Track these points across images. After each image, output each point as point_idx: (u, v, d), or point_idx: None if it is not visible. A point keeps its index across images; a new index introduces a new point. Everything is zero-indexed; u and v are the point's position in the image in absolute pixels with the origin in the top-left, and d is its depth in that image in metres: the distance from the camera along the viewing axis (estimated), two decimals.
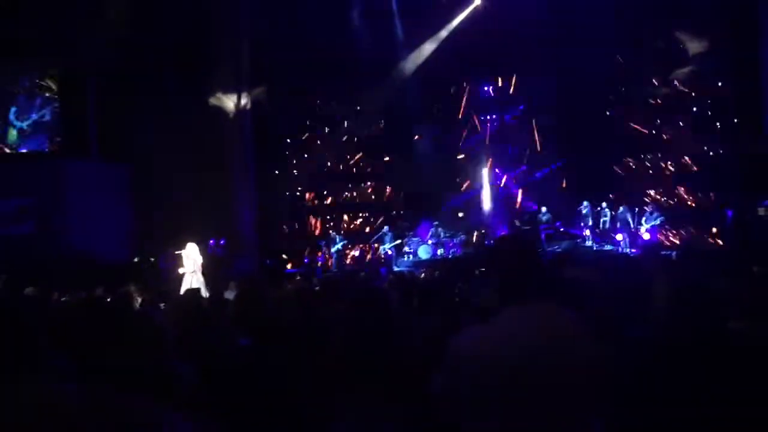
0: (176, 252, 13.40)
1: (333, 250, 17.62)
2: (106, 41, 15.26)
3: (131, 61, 15.59)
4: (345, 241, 17.99)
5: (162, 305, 5.26)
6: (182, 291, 10.43)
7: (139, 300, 5.84)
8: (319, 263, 17.64)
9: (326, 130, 19.91)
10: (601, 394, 2.10)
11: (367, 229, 19.70)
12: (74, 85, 16.90)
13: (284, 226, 18.85)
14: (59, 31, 14.97)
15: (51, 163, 16.51)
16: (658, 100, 17.61)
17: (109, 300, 5.17)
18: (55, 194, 15.96)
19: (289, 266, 17.44)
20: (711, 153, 16.62)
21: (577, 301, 2.77)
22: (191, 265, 12.85)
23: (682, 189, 17.26)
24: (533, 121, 19.82)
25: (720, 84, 16.24)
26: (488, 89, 20.40)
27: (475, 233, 19.06)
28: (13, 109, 16.88)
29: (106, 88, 16.35)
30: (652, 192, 17.69)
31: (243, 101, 17.14)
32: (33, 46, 15.27)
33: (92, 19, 15.01)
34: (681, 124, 17.23)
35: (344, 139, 19.95)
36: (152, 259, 15.64)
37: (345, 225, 19.63)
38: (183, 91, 15.52)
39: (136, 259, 15.83)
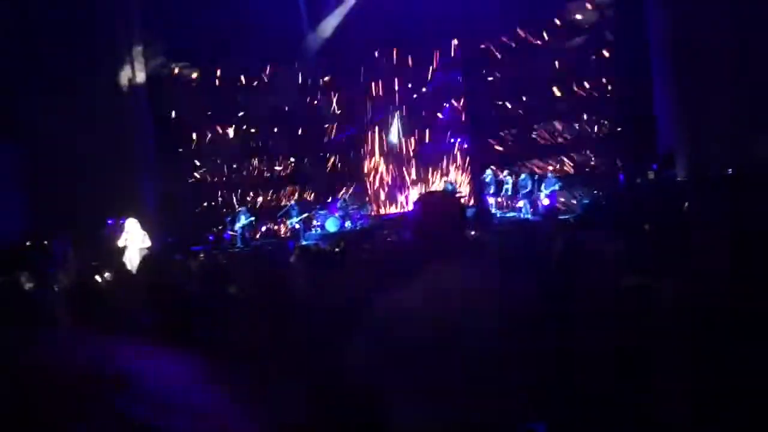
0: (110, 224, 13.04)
1: (238, 226, 17.33)
2: None
3: (14, 36, 14.70)
4: (252, 218, 17.73)
5: (55, 288, 5.03)
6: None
7: (30, 285, 5.55)
8: (226, 240, 17.35)
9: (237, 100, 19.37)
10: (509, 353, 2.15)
11: (273, 204, 19.50)
12: None
13: (187, 204, 18.35)
14: None
15: None
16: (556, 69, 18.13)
17: None
18: None
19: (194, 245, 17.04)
20: (603, 121, 17.32)
21: (483, 263, 2.82)
22: (132, 240, 12.47)
23: (577, 156, 17.95)
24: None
25: (608, 55, 16.89)
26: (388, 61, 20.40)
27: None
28: None
29: None
30: (549, 160, 18.31)
31: (138, 76, 16.44)
32: None
33: None
34: (575, 92, 17.82)
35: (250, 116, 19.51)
36: (45, 243, 14.89)
37: (252, 201, 19.29)
38: (73, 65, 14.74)
39: (27, 243, 15.02)
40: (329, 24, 18.88)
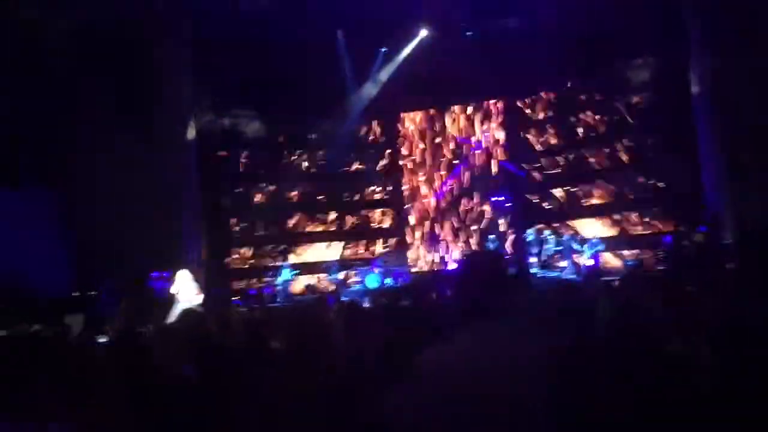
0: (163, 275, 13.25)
1: (280, 280, 17.46)
2: (45, 66, 14.98)
3: (66, 86, 15.32)
4: (296, 271, 17.86)
5: (102, 338, 5.11)
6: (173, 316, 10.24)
7: (78, 332, 5.66)
8: (267, 294, 17.46)
9: (283, 156, 19.72)
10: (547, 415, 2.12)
11: (315, 259, 19.62)
12: (7, 110, 16.37)
13: (231, 258, 18.60)
14: None
15: None
16: (601, 130, 18.10)
17: (44, 334, 4.99)
18: None
19: (235, 298, 17.19)
20: (648, 181, 17.11)
21: (523, 324, 2.79)
22: (183, 292, 12.63)
23: (623, 218, 17.71)
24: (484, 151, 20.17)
25: (658, 116, 16.77)
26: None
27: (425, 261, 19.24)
28: None
29: (40, 114, 15.98)
30: (593, 220, 18.12)
31: (187, 129, 16.95)
32: None
33: (25, 43, 14.71)
34: (619, 154, 17.71)
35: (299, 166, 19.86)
36: (93, 293, 15.18)
37: (294, 256, 19.45)
38: (123, 117, 15.25)
39: (75, 293, 15.33)
40: (373, 85, 19.27)
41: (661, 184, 16.77)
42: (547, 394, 2.04)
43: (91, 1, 14.42)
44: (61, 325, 5.28)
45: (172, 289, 12.68)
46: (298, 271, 17.99)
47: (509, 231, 19.49)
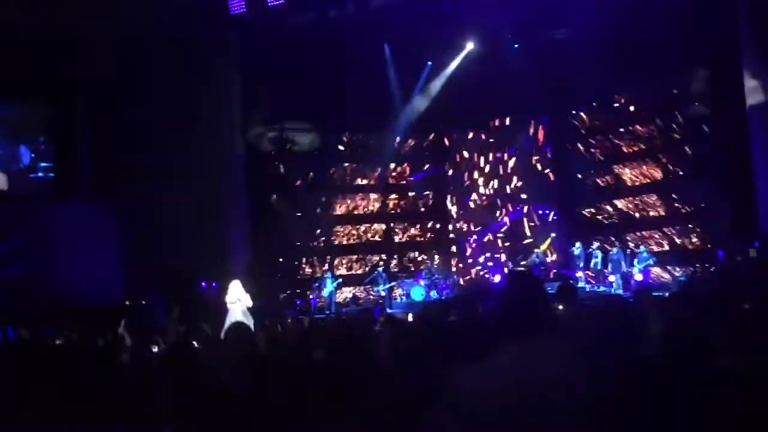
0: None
1: (326, 291, 17.56)
2: (97, 78, 15.44)
3: (122, 99, 15.77)
4: (339, 281, 17.95)
5: (154, 348, 5.23)
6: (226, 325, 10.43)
7: (129, 342, 5.80)
8: (312, 305, 17.58)
9: (331, 168, 19.94)
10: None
11: (360, 270, 19.69)
12: (65, 122, 16.96)
13: (278, 269, 18.77)
14: (49, 69, 15.16)
15: (41, 204, 16.45)
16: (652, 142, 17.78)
17: (99, 344, 5.13)
18: (44, 235, 15.88)
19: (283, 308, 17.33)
20: (702, 196, 16.69)
21: (572, 340, 2.76)
22: (236, 302, 12.82)
23: (674, 232, 17.33)
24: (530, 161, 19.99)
25: (711, 128, 16.38)
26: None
27: (468, 275, 19.13)
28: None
29: (96, 126, 16.48)
30: (644, 234, 17.76)
31: (236, 141, 17.25)
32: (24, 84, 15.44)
33: (84, 55, 15.18)
34: (671, 167, 17.36)
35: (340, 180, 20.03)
36: (143, 302, 15.51)
37: (339, 266, 19.55)
38: (175, 131, 15.59)
39: (126, 302, 15.68)
40: (420, 98, 19.32)
41: (713, 199, 16.35)
42: (593, 419, 2.01)
43: (142, 15, 14.79)
44: (114, 335, 5.42)
45: (227, 299, 12.83)
46: (340, 281, 18.07)
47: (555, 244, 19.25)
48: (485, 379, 2.01)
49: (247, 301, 12.80)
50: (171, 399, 2.64)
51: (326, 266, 19.11)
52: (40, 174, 17.10)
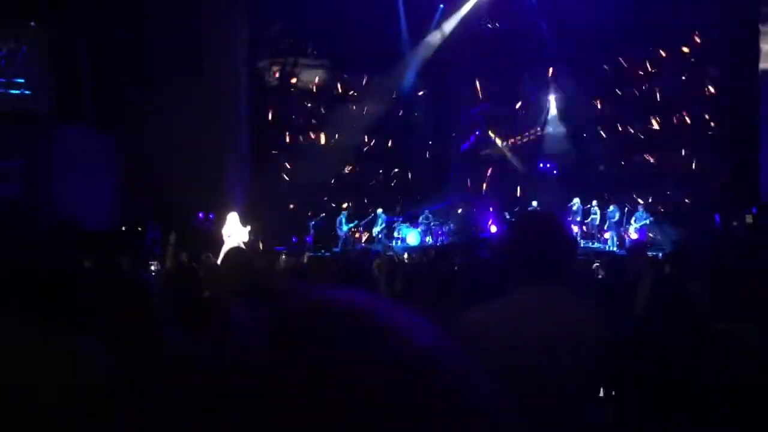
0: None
1: (340, 231, 17.57)
2: (102, 9, 15.16)
3: (125, 30, 15.52)
4: (354, 223, 17.94)
5: (152, 270, 5.27)
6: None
7: (127, 266, 5.85)
8: (309, 243, 17.62)
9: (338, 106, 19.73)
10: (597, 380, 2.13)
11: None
12: (68, 49, 16.64)
13: (275, 204, 18.75)
14: None
15: (42, 127, 16.28)
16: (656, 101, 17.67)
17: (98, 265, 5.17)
18: (44, 158, 15.79)
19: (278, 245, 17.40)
20: (702, 158, 16.68)
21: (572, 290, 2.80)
22: (233, 233, 12.89)
23: (671, 192, 17.36)
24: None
25: (715, 91, 16.24)
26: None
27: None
28: None
29: (99, 55, 16.24)
30: (641, 194, 17.79)
31: (240, 76, 17.06)
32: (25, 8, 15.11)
33: None
34: (675, 126, 17.28)
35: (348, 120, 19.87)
36: (139, 228, 15.58)
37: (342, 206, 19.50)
38: (178, 62, 15.40)
39: (123, 228, 15.76)
40: (429, 43, 19.04)
41: (715, 161, 16.34)
42: (604, 363, 2.04)
43: None
44: (112, 259, 5.46)
45: (224, 230, 12.90)
46: (356, 222, 18.04)
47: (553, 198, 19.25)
48: (493, 319, 2.02)
49: (243, 235, 12.87)
50: (174, 313, 2.68)
51: (345, 204, 18.98)
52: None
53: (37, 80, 16.45)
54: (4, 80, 16.25)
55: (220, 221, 13.46)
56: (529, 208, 18.13)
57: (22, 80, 16.36)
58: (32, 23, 16.16)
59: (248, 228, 13.25)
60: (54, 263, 2.20)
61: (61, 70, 16.60)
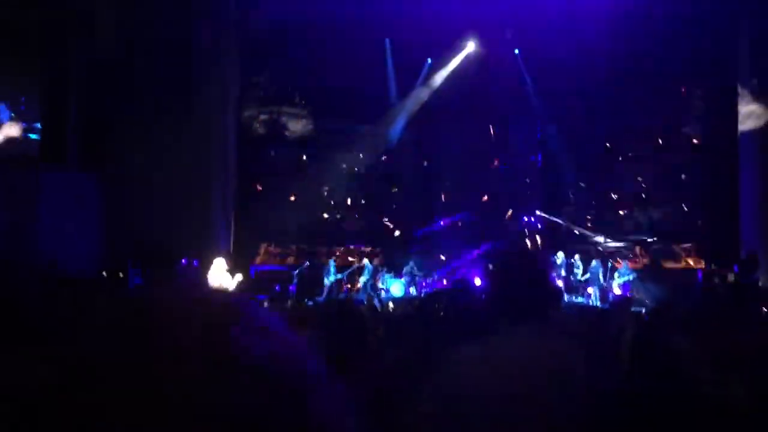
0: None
1: (326, 280, 17.48)
2: (92, 50, 15.29)
3: (115, 71, 15.65)
4: (341, 276, 17.86)
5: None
6: None
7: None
8: (291, 292, 17.48)
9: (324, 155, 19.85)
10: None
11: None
12: (56, 90, 16.71)
13: (262, 251, 18.68)
14: (45, 35, 14.99)
15: (26, 169, 16.19)
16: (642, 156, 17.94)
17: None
18: (25, 201, 15.64)
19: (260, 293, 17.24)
20: (687, 215, 16.86)
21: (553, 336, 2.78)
22: (218, 281, 12.77)
23: (653, 248, 17.50)
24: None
25: (696, 143, 16.56)
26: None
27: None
28: None
29: (87, 98, 16.32)
30: (625, 249, 17.90)
31: (229, 121, 17.19)
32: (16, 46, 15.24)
33: (80, 26, 15.03)
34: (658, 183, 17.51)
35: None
36: (120, 274, 15.38)
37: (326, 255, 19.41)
38: (167, 105, 15.50)
39: (103, 273, 15.54)
40: (418, 95, 19.35)
41: (697, 220, 16.54)
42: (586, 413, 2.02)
43: None
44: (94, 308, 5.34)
45: (209, 275, 12.80)
46: (341, 276, 17.96)
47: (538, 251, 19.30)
48: (480, 357, 2.00)
49: (229, 282, 12.77)
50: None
51: (311, 254, 18.94)
52: (18, 134, 16.59)
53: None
54: (25, 125, 16.43)
55: (205, 268, 13.36)
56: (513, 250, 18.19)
57: (38, 125, 16.54)
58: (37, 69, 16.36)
59: (238, 277, 13.14)
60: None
61: (49, 112, 16.66)
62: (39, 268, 14.00)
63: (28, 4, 14.61)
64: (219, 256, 13.52)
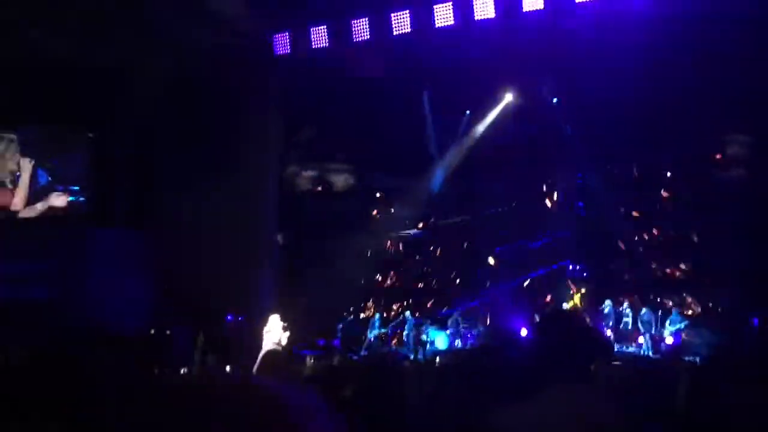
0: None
1: (370, 334, 17.50)
2: (140, 112, 15.83)
3: (161, 132, 16.14)
4: (385, 330, 17.86)
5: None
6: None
7: (156, 371, 5.82)
8: (336, 347, 17.45)
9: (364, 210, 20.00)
10: None
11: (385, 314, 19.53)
12: (105, 150, 17.24)
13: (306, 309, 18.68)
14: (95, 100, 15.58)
15: (77, 228, 16.64)
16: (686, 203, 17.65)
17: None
18: (75, 260, 16.01)
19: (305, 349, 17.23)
20: (736, 261, 16.40)
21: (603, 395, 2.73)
22: (272, 337, 12.88)
23: (704, 295, 17.04)
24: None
25: (747, 194, 16.23)
26: None
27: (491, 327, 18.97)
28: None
29: (136, 156, 16.83)
30: (676, 297, 17.47)
31: (272, 181, 17.49)
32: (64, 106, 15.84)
33: (130, 89, 15.58)
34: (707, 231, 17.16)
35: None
36: (168, 332, 15.54)
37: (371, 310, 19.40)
38: (212, 166, 15.82)
39: (151, 332, 15.72)
40: (457, 148, 19.50)
41: (747, 263, 16.06)
42: None
43: (181, 50, 15.17)
44: (142, 365, 5.43)
45: (265, 329, 12.90)
46: (385, 330, 17.96)
47: (585, 301, 18.96)
48: (519, 423, 1.99)
49: (282, 337, 12.81)
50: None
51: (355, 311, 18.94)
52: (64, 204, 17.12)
53: (84, 185, 17.10)
54: (61, 188, 16.98)
55: (252, 324, 13.43)
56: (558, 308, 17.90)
57: (77, 188, 17.05)
58: (90, 134, 16.96)
59: (288, 333, 13.20)
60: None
61: (100, 173, 17.19)
62: (86, 320, 14.34)
63: (75, 67, 15.17)
64: (266, 312, 13.58)
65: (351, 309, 19.15)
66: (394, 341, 18.55)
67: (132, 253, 16.71)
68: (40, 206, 16.84)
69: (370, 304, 19.57)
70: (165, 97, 15.66)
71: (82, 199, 17.06)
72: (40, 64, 14.83)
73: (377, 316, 17.94)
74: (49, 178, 17.08)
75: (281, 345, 12.53)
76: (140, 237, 16.90)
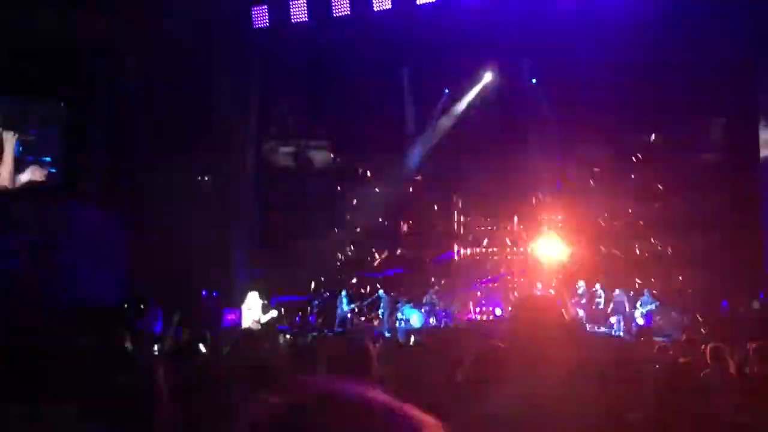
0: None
1: (339, 310, 17.50)
2: (115, 88, 15.60)
3: (137, 105, 15.92)
4: (353, 306, 17.87)
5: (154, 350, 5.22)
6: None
7: (129, 345, 5.76)
8: (311, 323, 17.49)
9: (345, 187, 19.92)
10: None
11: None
12: (80, 127, 16.99)
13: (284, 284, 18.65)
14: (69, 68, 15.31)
15: (51, 202, 16.42)
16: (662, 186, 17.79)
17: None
18: (50, 233, 15.84)
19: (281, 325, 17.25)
20: (710, 244, 16.62)
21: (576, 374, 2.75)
22: (252, 315, 12.88)
23: (677, 276, 17.25)
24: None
25: (724, 176, 16.42)
26: None
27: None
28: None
29: (110, 131, 16.60)
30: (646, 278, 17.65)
31: (248, 159, 17.36)
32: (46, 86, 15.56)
33: (104, 65, 15.35)
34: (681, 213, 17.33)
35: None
36: (142, 306, 15.46)
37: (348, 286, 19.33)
38: (190, 141, 15.67)
39: (125, 305, 15.63)
40: (436, 126, 19.46)
41: (721, 247, 16.28)
42: None
43: (157, 28, 14.95)
44: (115, 337, 5.38)
45: (243, 306, 12.91)
46: (353, 307, 17.95)
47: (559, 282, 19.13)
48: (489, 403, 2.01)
49: (260, 314, 12.84)
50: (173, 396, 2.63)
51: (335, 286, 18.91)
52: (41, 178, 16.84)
53: (57, 158, 16.81)
54: (32, 159, 16.65)
55: (225, 300, 13.43)
56: (535, 291, 18.04)
57: (49, 159, 16.75)
58: (62, 104, 16.64)
59: (272, 313, 13.19)
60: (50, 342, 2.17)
61: (73, 147, 16.93)
62: (58, 294, 14.25)
63: (53, 41, 14.89)
64: (242, 288, 13.59)
65: (325, 285, 19.07)
66: (370, 318, 18.59)
67: (105, 227, 16.56)
68: (23, 178, 16.57)
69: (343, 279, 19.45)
70: (141, 72, 15.46)
71: (53, 170, 16.81)
72: (16, 37, 14.51)
73: (343, 293, 17.93)
74: (20, 149, 16.77)
75: (260, 323, 12.56)
76: (114, 212, 16.74)
